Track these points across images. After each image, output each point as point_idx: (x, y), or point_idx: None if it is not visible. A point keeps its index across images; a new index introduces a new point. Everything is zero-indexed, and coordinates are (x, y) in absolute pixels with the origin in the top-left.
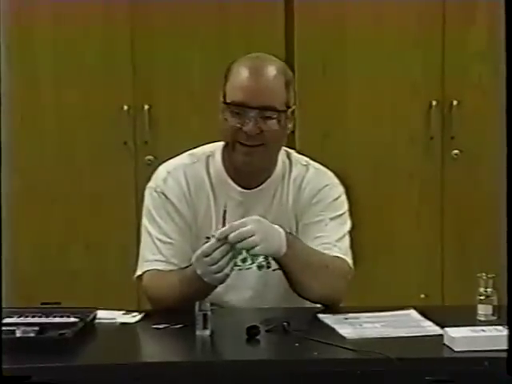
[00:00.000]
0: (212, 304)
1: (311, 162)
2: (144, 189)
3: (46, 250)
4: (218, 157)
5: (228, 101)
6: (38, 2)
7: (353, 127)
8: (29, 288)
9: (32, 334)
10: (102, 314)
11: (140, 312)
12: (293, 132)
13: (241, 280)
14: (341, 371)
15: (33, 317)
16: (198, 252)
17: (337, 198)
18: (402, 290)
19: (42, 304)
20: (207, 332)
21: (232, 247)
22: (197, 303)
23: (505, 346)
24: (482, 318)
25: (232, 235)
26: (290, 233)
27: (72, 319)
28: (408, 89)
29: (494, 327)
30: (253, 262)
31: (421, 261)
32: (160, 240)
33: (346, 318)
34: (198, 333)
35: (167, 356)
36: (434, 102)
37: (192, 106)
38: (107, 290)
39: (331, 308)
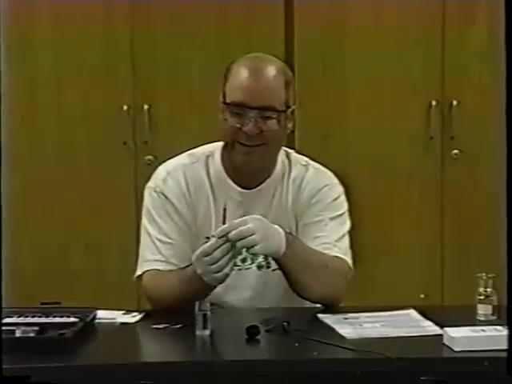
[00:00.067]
0: (212, 304)
1: (311, 161)
2: (144, 189)
3: (46, 250)
4: (218, 157)
5: (228, 101)
6: (38, 1)
7: (353, 127)
8: (29, 288)
9: (32, 334)
10: (101, 313)
11: (140, 312)
12: (293, 132)
13: (240, 280)
14: (341, 371)
15: (33, 317)
16: (198, 251)
17: (336, 198)
18: (401, 289)
19: (42, 304)
20: (207, 332)
21: (232, 247)
22: (197, 303)
23: (505, 346)
24: (482, 318)
25: (232, 233)
26: (290, 233)
27: (72, 319)
28: (408, 89)
29: (493, 327)
30: (252, 262)
31: (421, 261)
32: (160, 240)
33: (346, 318)
34: (197, 333)
35: (167, 356)
36: (433, 102)
37: (192, 106)
38: (107, 290)
39: (331, 308)
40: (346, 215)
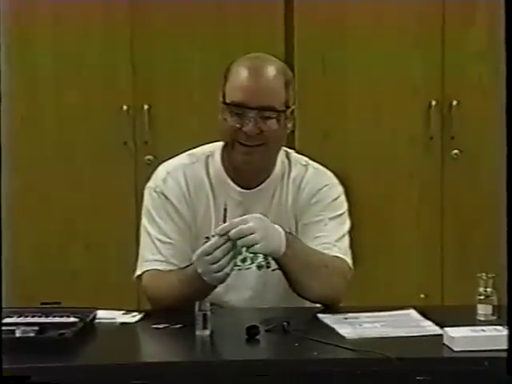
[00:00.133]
0: (212, 304)
1: (310, 161)
2: (144, 189)
3: (46, 250)
4: (218, 157)
5: (227, 101)
6: (38, 1)
7: (353, 127)
8: (29, 288)
9: (32, 334)
10: (101, 313)
11: (140, 312)
12: (293, 132)
13: (240, 280)
14: (340, 371)
15: (33, 317)
16: (199, 250)
17: (336, 198)
18: (401, 289)
19: (42, 304)
20: (207, 332)
21: (233, 246)
22: (197, 303)
23: (505, 346)
24: (482, 318)
25: (232, 231)
26: (290, 232)
27: (72, 319)
28: (408, 89)
29: (493, 327)
30: (252, 262)
31: (421, 261)
32: (159, 240)
33: (346, 318)
34: (197, 333)
35: (167, 356)
36: (433, 102)
37: (192, 106)
38: (107, 289)
39: (331, 308)
40: (346, 215)
